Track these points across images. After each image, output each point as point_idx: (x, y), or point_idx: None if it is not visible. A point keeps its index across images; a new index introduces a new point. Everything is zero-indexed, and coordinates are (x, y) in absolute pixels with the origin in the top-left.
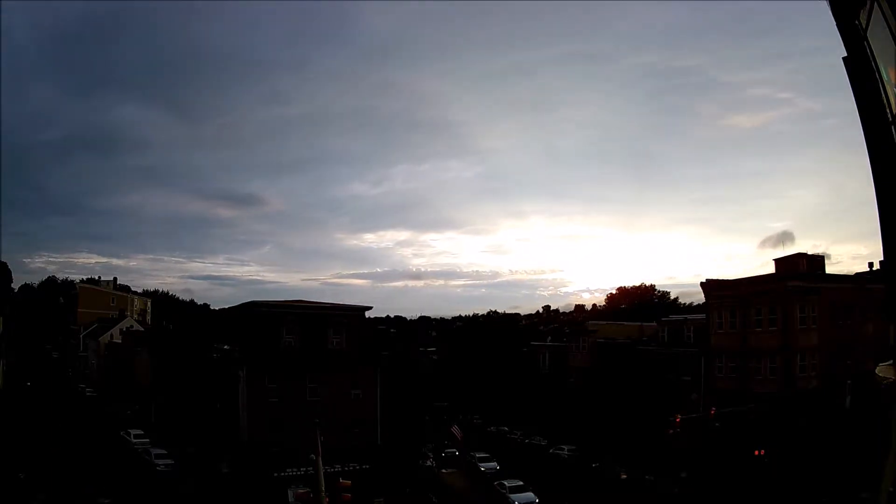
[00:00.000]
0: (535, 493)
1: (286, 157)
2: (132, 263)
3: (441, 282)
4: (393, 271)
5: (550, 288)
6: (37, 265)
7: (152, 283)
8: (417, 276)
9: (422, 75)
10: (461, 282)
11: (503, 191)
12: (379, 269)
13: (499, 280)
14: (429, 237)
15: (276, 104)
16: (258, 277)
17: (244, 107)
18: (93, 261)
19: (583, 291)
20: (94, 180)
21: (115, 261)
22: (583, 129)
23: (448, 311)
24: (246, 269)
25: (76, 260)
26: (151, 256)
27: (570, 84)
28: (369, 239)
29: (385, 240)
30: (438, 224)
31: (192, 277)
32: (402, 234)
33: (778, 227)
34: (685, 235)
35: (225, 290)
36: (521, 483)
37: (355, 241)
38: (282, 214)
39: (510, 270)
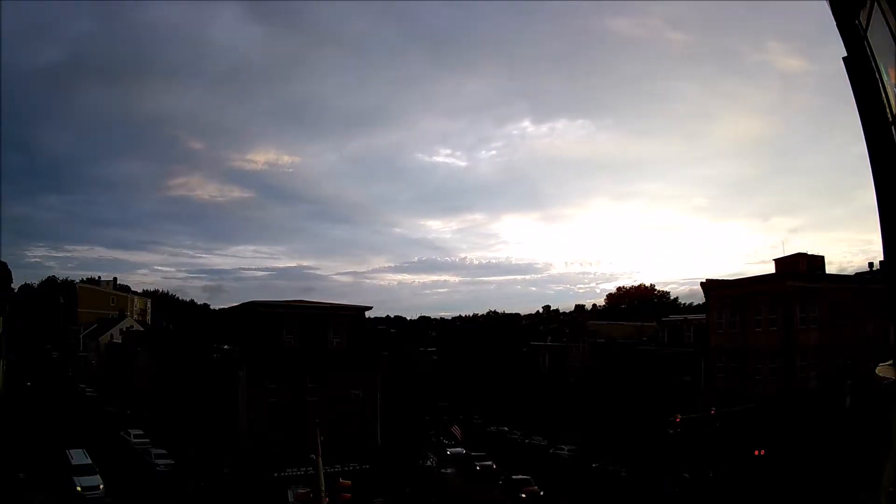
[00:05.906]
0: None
1: (361, 104)
2: (143, 257)
3: (483, 277)
4: (431, 261)
5: (592, 284)
6: (34, 259)
7: (161, 281)
8: (457, 269)
9: None
10: (498, 277)
11: (620, 159)
12: (415, 259)
13: (545, 275)
14: (502, 224)
15: None
16: (284, 272)
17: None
18: (97, 255)
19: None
20: (106, 135)
21: (121, 253)
22: (759, 79)
23: (471, 308)
24: (275, 263)
25: (78, 254)
26: (167, 249)
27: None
28: (433, 227)
29: (449, 226)
30: (521, 205)
31: (204, 273)
32: (470, 219)
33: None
34: (775, 227)
35: (244, 289)
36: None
37: (405, 231)
38: (331, 186)
39: (566, 262)
